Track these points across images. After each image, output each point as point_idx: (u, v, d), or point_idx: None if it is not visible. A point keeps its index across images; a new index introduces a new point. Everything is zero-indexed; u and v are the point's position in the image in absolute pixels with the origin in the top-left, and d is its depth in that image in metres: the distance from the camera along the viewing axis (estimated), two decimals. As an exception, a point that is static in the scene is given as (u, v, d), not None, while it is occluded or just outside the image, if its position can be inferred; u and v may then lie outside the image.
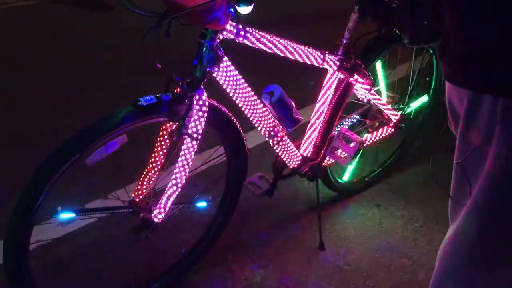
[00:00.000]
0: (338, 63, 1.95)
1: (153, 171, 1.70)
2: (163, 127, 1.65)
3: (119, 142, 1.50)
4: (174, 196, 1.66)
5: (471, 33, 1.19)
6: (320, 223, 2.18)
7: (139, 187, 1.70)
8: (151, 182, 1.70)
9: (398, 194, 2.52)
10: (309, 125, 2.06)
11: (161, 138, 1.67)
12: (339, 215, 2.39)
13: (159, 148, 1.68)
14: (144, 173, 1.70)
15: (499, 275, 1.34)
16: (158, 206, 1.66)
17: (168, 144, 1.67)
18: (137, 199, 1.69)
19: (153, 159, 1.69)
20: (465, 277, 1.38)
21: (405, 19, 1.92)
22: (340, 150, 2.05)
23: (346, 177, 2.45)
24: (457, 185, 1.37)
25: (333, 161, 2.15)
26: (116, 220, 1.94)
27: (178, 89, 1.57)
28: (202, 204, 1.84)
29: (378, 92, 2.22)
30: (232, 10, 1.42)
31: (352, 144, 1.99)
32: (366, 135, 2.27)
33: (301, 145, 2.09)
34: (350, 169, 2.45)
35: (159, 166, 1.70)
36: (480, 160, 1.25)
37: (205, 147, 1.88)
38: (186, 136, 1.59)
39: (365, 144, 2.28)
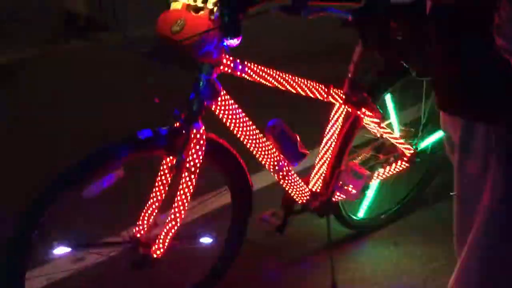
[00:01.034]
0: (344, 97, 1.93)
1: (154, 207, 1.69)
2: (164, 162, 1.66)
3: (116, 176, 1.50)
4: (173, 231, 1.64)
5: (460, 61, 1.17)
6: (332, 262, 2.11)
7: (140, 222, 1.69)
8: (152, 217, 1.69)
9: (417, 232, 2.42)
10: (317, 159, 2.03)
11: (162, 173, 1.67)
12: (354, 253, 2.31)
13: (160, 183, 1.68)
14: (145, 208, 1.70)
15: None
16: (156, 241, 1.65)
17: (169, 179, 1.66)
18: (138, 235, 1.69)
19: (154, 194, 1.69)
20: None
21: (411, 51, 1.91)
22: (349, 185, 2.00)
23: (361, 213, 2.39)
24: (458, 218, 1.32)
25: (343, 196, 2.10)
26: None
27: (177, 124, 1.57)
28: (206, 239, 1.82)
29: (390, 126, 2.18)
30: (225, 44, 1.44)
31: (360, 179, 1.94)
32: (379, 170, 2.21)
33: (310, 180, 2.06)
34: (365, 205, 2.38)
35: (160, 202, 1.69)
36: (478, 192, 1.21)
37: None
38: (184, 170, 1.58)
39: (377, 179, 2.23)
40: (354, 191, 1.98)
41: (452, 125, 1.24)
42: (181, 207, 1.62)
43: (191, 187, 1.61)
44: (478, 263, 1.23)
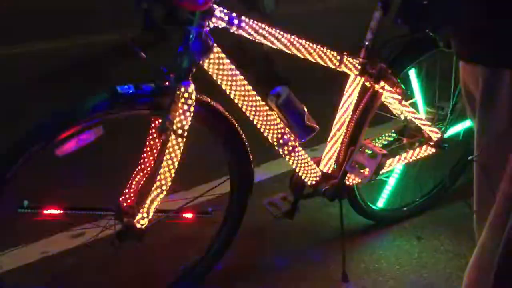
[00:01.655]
0: (359, 67, 1.74)
1: (141, 174, 1.56)
2: (153, 125, 1.53)
3: (95, 134, 1.38)
4: (159, 199, 1.51)
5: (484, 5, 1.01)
6: (344, 250, 1.92)
7: (126, 190, 1.57)
8: (140, 185, 1.57)
9: (444, 227, 2.20)
10: (329, 137, 1.85)
11: (150, 138, 1.54)
12: (370, 245, 2.11)
13: (148, 149, 1.55)
14: (133, 176, 1.57)
15: None
16: (141, 210, 1.52)
17: (158, 144, 1.53)
18: (124, 203, 1.56)
19: (141, 161, 1.56)
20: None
21: (438, 18, 1.70)
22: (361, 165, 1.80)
23: (381, 203, 2.19)
24: (479, 189, 1.16)
25: (355, 178, 1.90)
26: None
27: (164, 81, 1.44)
28: (204, 214, 1.68)
29: (414, 106, 1.98)
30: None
31: (374, 158, 1.75)
32: (402, 154, 2.01)
33: (321, 159, 1.88)
34: (386, 194, 2.18)
35: (148, 169, 1.56)
36: (503, 153, 1.04)
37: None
38: (171, 133, 1.44)
39: (400, 164, 2.03)
40: (366, 172, 1.78)
41: (473, 77, 1.09)
42: (167, 173, 1.48)
43: (178, 151, 1.47)
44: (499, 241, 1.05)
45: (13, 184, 1.31)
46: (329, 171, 1.88)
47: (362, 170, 1.81)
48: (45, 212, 1.43)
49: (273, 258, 2.03)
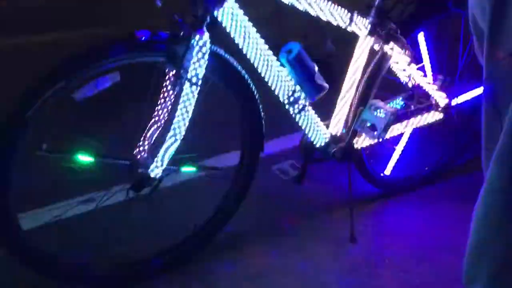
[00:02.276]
0: (369, 27, 1.77)
1: (156, 126, 1.59)
2: (167, 77, 1.55)
3: (111, 79, 1.42)
4: (173, 148, 1.54)
5: None
6: (352, 212, 1.94)
7: (141, 142, 1.60)
8: (154, 137, 1.59)
9: (451, 197, 2.21)
10: (339, 98, 1.88)
11: (165, 89, 1.57)
12: (378, 211, 2.13)
13: (163, 101, 1.58)
14: (147, 128, 1.60)
15: None
16: (155, 159, 1.54)
17: (172, 96, 1.56)
18: (138, 155, 1.59)
19: (156, 113, 1.59)
20: (501, 237, 1.15)
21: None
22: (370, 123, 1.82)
23: (388, 171, 2.21)
24: (487, 123, 1.17)
25: (367, 140, 1.93)
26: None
27: (182, 32, 1.47)
28: (213, 170, 1.71)
29: (423, 71, 2.00)
30: None
31: (383, 115, 1.77)
32: (411, 119, 2.03)
33: (331, 121, 1.90)
34: (393, 162, 2.20)
35: (163, 121, 1.59)
36: (509, 80, 1.05)
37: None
38: (185, 81, 1.47)
39: (408, 128, 2.05)
40: (376, 130, 1.80)
41: (480, 6, 1.09)
42: (181, 122, 1.51)
43: (192, 100, 1.50)
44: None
45: (34, 124, 1.34)
46: (338, 134, 1.91)
47: (371, 129, 1.83)
48: (61, 156, 1.45)
49: (280, 221, 2.06)
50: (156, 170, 1.55)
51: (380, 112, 1.78)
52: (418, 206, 2.16)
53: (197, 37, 1.45)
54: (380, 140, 1.88)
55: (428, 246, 1.90)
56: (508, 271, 1.18)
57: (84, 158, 1.50)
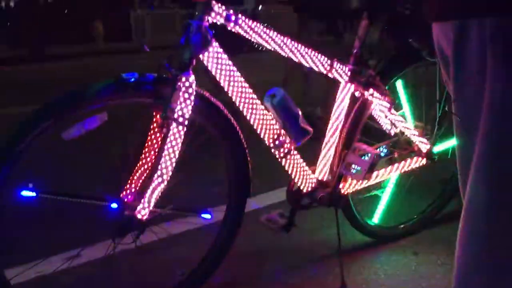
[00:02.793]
0: (349, 74, 1.85)
1: (144, 167, 1.61)
2: (154, 119, 1.59)
3: (99, 119, 1.44)
4: (160, 189, 1.54)
5: None
6: (341, 260, 1.93)
7: (128, 185, 1.60)
8: (141, 179, 1.60)
9: (440, 244, 2.21)
10: (324, 143, 1.92)
11: (152, 132, 1.60)
12: (368, 259, 2.11)
13: (150, 143, 1.60)
14: (134, 170, 1.61)
15: None
16: (142, 200, 1.54)
17: (159, 138, 1.59)
18: (125, 198, 1.59)
19: (143, 155, 1.61)
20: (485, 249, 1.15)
21: (421, 28, 1.84)
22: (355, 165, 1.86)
23: (376, 219, 2.21)
24: (459, 144, 1.21)
25: (353, 187, 1.95)
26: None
27: (167, 73, 1.53)
28: (206, 215, 1.70)
29: (403, 118, 2.06)
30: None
31: (367, 157, 1.81)
32: (395, 165, 2.07)
33: (316, 167, 1.93)
34: (380, 209, 2.22)
35: (150, 162, 1.61)
36: (477, 100, 1.10)
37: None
38: (172, 122, 1.51)
39: (393, 173, 2.08)
40: (360, 171, 1.83)
41: (444, 35, 1.17)
42: (168, 162, 1.53)
43: (179, 139, 1.52)
44: (487, 177, 1.08)
45: (20, 162, 1.35)
46: (324, 178, 1.93)
47: (354, 169, 1.85)
48: (48, 196, 1.45)
49: (271, 272, 2.03)
50: (143, 211, 1.54)
51: (364, 155, 1.81)
52: (407, 252, 2.15)
53: (183, 79, 1.50)
54: (366, 182, 1.90)
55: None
56: None
57: (72, 198, 1.49)
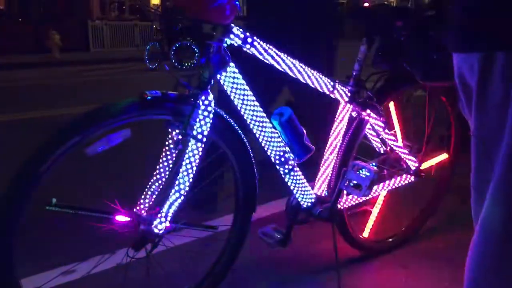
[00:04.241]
0: (349, 95, 1.94)
1: (158, 183, 1.64)
2: (170, 136, 1.63)
3: (123, 136, 1.47)
4: (177, 204, 1.58)
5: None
6: (339, 274, 2.01)
7: (142, 200, 1.63)
8: (155, 194, 1.63)
9: (426, 257, 2.33)
10: (323, 161, 2.00)
11: (167, 148, 1.64)
12: (360, 273, 2.20)
13: (165, 158, 1.64)
14: (149, 184, 1.64)
15: None
16: (159, 215, 1.58)
17: (174, 154, 1.63)
18: (142, 212, 1.62)
19: (158, 170, 1.64)
20: (497, 271, 1.23)
21: (413, 52, 1.95)
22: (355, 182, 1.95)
23: (366, 233, 2.31)
24: (478, 165, 1.28)
25: (349, 202, 2.04)
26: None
27: (186, 91, 1.58)
28: (211, 228, 1.75)
29: (394, 137, 2.18)
30: (237, 2, 1.48)
31: (367, 174, 1.90)
32: (386, 182, 2.18)
33: (315, 183, 2.01)
34: (371, 224, 2.32)
35: (164, 178, 1.64)
36: (498, 131, 1.18)
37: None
38: (190, 138, 1.55)
39: (384, 190, 2.19)
40: (360, 187, 1.92)
41: (468, 65, 1.22)
42: (186, 178, 1.57)
43: (197, 156, 1.57)
44: (503, 203, 1.17)
45: (45, 180, 1.36)
46: (322, 194, 2.01)
47: (355, 188, 1.94)
48: (70, 212, 1.46)
49: (267, 285, 2.09)
50: (159, 226, 1.57)
51: (363, 171, 1.90)
52: (396, 266, 2.25)
53: (203, 97, 1.55)
54: (366, 197, 2.00)
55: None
56: None
57: (92, 213, 1.51)
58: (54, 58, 12.97)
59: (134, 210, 1.62)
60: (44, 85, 8.22)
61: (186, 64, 9.81)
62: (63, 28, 13.98)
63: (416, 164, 2.23)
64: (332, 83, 1.88)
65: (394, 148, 2.15)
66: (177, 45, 9.99)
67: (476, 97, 1.21)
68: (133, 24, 15.94)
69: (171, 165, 1.63)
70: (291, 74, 1.77)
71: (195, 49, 9.74)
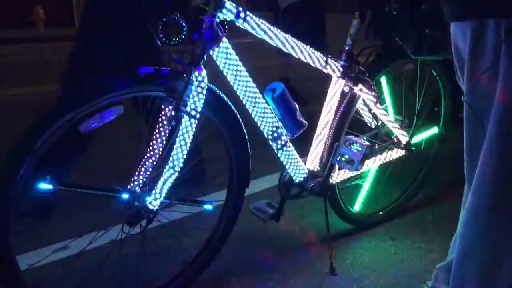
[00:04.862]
0: (341, 70, 1.94)
1: (151, 159, 1.64)
2: (163, 112, 1.63)
3: (115, 112, 1.47)
4: (171, 180, 1.59)
5: None
6: (330, 244, 2.05)
7: (136, 176, 1.63)
8: (149, 170, 1.64)
9: (414, 230, 2.37)
10: (315, 136, 2.01)
11: (160, 124, 1.63)
12: (352, 245, 2.24)
13: (158, 135, 1.64)
14: (143, 161, 1.64)
15: None
16: (153, 191, 1.58)
17: (168, 131, 1.62)
18: (136, 188, 1.62)
19: (151, 146, 1.64)
20: (487, 242, 1.27)
21: (406, 27, 1.96)
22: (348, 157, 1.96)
23: (357, 207, 2.34)
24: (469, 131, 1.31)
25: (341, 177, 2.06)
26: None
27: (179, 67, 1.57)
28: (208, 206, 1.76)
29: (386, 111, 2.19)
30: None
31: (359, 149, 1.91)
32: (376, 156, 2.20)
33: (308, 158, 2.02)
34: (361, 198, 2.35)
35: (157, 155, 1.64)
36: (490, 92, 1.21)
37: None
38: (184, 114, 1.55)
39: (375, 164, 2.21)
40: (353, 162, 1.94)
41: (462, 33, 1.26)
42: (180, 154, 1.57)
43: (190, 132, 1.57)
44: (495, 164, 1.20)
45: (40, 156, 1.35)
46: (315, 169, 2.03)
47: (348, 162, 1.96)
48: (62, 188, 1.46)
49: (261, 259, 2.12)
50: (154, 202, 1.58)
51: (355, 146, 1.92)
52: (385, 238, 2.29)
53: (196, 73, 1.54)
54: (358, 172, 2.02)
55: (403, 275, 2.01)
56: (495, 275, 1.30)
57: (86, 190, 1.51)
58: (39, 33, 12.75)
59: (129, 186, 1.62)
60: (30, 60, 8.11)
61: (174, 39, 9.75)
62: (47, 2, 13.72)
63: (407, 138, 2.25)
64: (324, 58, 1.88)
65: (386, 122, 2.17)
66: (164, 19, 9.92)
67: (468, 62, 1.25)
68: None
69: (164, 142, 1.63)
70: (283, 49, 1.76)
71: (183, 24, 9.66)
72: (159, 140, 1.63)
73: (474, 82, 1.23)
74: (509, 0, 1.15)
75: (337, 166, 2.03)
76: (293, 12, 4.08)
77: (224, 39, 1.60)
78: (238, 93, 1.70)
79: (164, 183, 1.58)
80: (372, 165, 2.22)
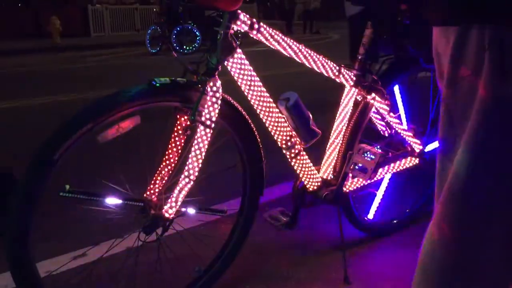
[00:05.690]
0: (354, 79, 1.96)
1: (167, 169, 1.67)
2: (178, 122, 1.65)
3: (133, 122, 1.50)
4: (187, 189, 1.61)
5: None
6: (344, 254, 2.05)
7: (151, 185, 1.66)
8: (164, 179, 1.66)
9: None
10: (328, 144, 2.03)
11: (176, 134, 1.66)
12: (365, 254, 2.24)
13: (173, 144, 1.66)
14: (158, 170, 1.67)
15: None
16: (169, 200, 1.61)
17: (183, 140, 1.65)
18: (151, 196, 1.65)
19: (167, 156, 1.67)
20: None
21: (419, 35, 1.96)
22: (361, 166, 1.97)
23: (371, 215, 2.34)
24: (444, 135, 1.29)
25: (354, 185, 2.07)
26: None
27: (194, 77, 1.60)
28: (222, 214, 1.78)
29: (399, 119, 2.20)
30: (244, -12, 1.49)
31: (372, 157, 1.93)
32: (390, 164, 2.20)
33: (321, 167, 2.04)
34: (375, 206, 2.35)
35: (173, 164, 1.67)
36: (470, 99, 1.20)
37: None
38: (199, 124, 1.58)
39: (389, 173, 2.22)
40: (366, 171, 1.95)
41: (444, 38, 1.23)
42: (195, 163, 1.59)
43: (206, 142, 1.59)
44: (467, 168, 1.17)
45: (59, 166, 1.39)
46: (328, 177, 2.04)
47: (362, 171, 1.97)
48: (83, 197, 1.49)
49: (276, 267, 2.13)
50: (170, 210, 1.61)
51: (368, 155, 1.93)
52: (405, 246, 2.28)
53: (211, 83, 1.57)
54: (371, 180, 2.02)
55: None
56: None
57: (104, 199, 1.54)
58: (54, 43, 12.95)
59: (145, 195, 1.65)
60: (45, 70, 8.23)
61: (187, 48, 9.87)
62: (63, 13, 13.93)
63: (421, 147, 2.25)
64: (337, 68, 1.89)
65: (399, 131, 2.17)
66: (178, 28, 10.05)
67: (448, 68, 1.23)
68: (133, 7, 15.86)
69: (180, 151, 1.66)
70: (297, 59, 1.78)
71: (197, 33, 9.78)
72: (174, 149, 1.66)
73: (453, 88, 1.22)
74: (494, 7, 1.14)
75: (350, 175, 2.04)
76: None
77: (239, 50, 1.62)
78: (252, 102, 1.72)
79: (179, 192, 1.60)
80: (385, 174, 2.23)
